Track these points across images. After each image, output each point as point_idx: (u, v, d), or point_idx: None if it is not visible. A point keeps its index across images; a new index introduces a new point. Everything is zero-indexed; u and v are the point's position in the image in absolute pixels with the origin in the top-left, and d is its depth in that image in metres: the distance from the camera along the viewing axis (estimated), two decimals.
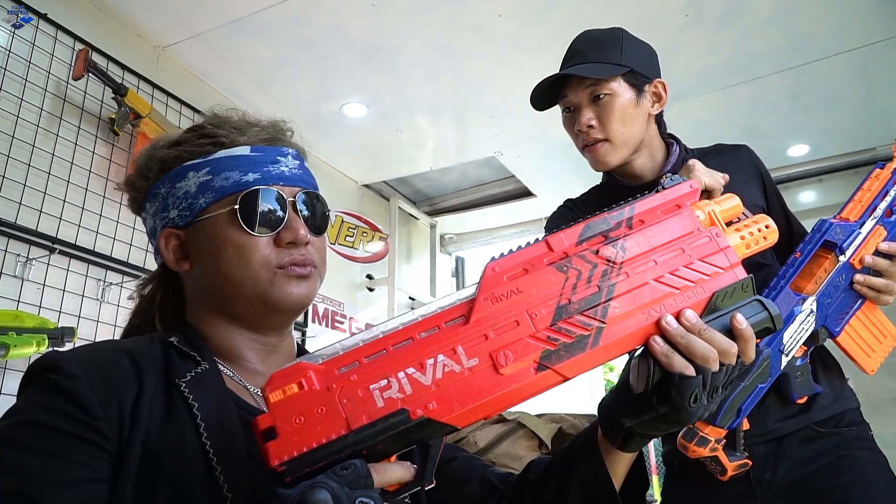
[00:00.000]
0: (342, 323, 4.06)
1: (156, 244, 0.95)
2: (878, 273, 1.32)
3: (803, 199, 4.27)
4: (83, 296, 2.52)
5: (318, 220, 0.95)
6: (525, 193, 4.50)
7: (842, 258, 1.30)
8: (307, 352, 1.04)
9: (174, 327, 0.92)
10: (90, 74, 2.59)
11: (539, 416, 2.47)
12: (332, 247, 4.08)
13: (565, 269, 0.68)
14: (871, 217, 1.32)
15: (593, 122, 1.48)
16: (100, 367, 0.77)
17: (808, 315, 1.30)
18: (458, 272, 5.36)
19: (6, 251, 2.31)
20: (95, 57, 2.68)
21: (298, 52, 3.09)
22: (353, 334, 0.67)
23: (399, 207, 4.65)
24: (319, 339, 3.80)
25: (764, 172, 1.60)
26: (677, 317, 0.68)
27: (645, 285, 0.69)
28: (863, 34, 3.02)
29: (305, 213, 0.93)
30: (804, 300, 1.30)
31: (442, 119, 3.72)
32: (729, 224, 0.78)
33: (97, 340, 0.93)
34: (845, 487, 1.32)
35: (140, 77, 2.91)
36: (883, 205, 1.32)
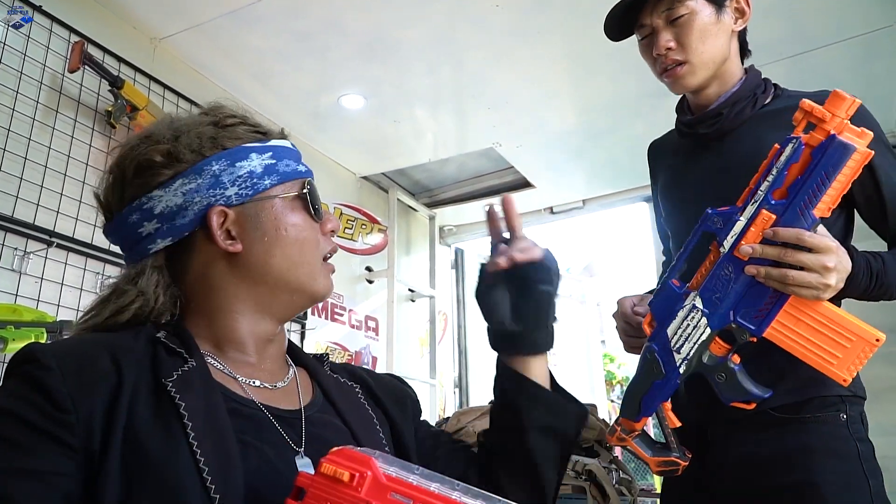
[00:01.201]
0: (342, 315, 4.06)
1: (172, 225, 0.89)
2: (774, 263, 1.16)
3: None
4: (81, 289, 2.51)
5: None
6: (524, 184, 4.49)
7: (722, 249, 1.19)
8: (292, 342, 1.04)
9: (161, 322, 0.90)
10: (86, 67, 2.58)
11: None
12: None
13: None
14: (752, 201, 1.17)
15: (672, 45, 1.43)
16: (76, 360, 0.76)
17: (692, 311, 1.22)
18: (458, 264, 5.36)
19: (3, 245, 2.31)
20: (91, 49, 2.66)
21: (296, 43, 3.07)
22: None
23: (398, 199, 4.64)
24: (319, 332, 3.80)
25: (875, 126, 1.40)
26: None
27: None
28: (863, 23, 3.00)
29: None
30: (686, 294, 1.23)
31: (441, 110, 3.71)
32: None
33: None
34: (797, 488, 1.28)
35: (136, 69, 2.90)
36: (764, 186, 1.16)
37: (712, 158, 1.47)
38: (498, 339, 1.00)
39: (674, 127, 1.62)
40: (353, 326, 4.15)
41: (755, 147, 1.35)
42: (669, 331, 1.24)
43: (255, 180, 0.91)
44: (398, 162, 4.32)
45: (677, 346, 1.24)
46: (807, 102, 1.14)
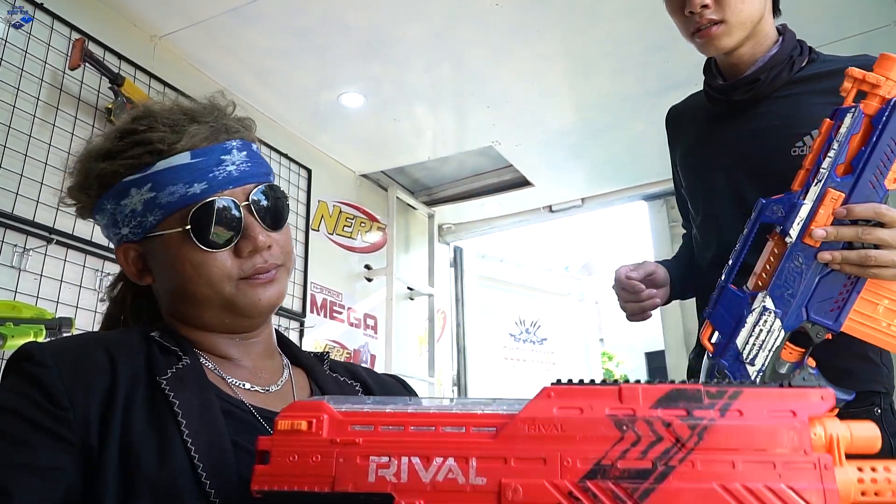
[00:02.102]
0: (340, 313, 4.06)
1: (116, 249, 0.93)
2: (849, 245, 1.07)
3: None
4: (80, 286, 2.52)
5: (276, 213, 0.91)
6: (523, 183, 4.50)
7: (788, 239, 1.08)
8: (288, 339, 1.03)
9: (151, 325, 0.91)
10: (87, 64, 2.58)
11: None
12: (330, 237, 4.08)
13: (624, 428, 0.56)
14: (815, 181, 1.07)
15: (708, 1, 1.31)
16: (72, 357, 0.77)
17: (762, 313, 1.09)
18: (457, 262, 5.37)
19: (3, 241, 2.31)
20: (92, 46, 2.66)
21: (296, 41, 3.07)
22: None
23: (397, 197, 4.65)
24: (318, 330, 3.80)
25: None
26: None
27: (708, 487, 0.55)
28: (861, 21, 3.01)
29: (263, 206, 0.89)
30: (753, 297, 1.10)
31: (440, 108, 3.71)
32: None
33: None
34: None
35: (137, 67, 2.90)
36: (826, 163, 1.06)
37: (744, 124, 1.39)
38: None
39: (698, 92, 1.55)
40: (351, 324, 4.15)
41: (793, 112, 1.30)
42: (739, 341, 1.10)
43: (139, 219, 0.86)
44: (397, 160, 4.33)
45: (751, 357, 1.10)
46: (856, 70, 1.06)
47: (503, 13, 2.90)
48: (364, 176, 4.48)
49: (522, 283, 5.53)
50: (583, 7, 2.82)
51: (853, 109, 1.06)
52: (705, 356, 1.15)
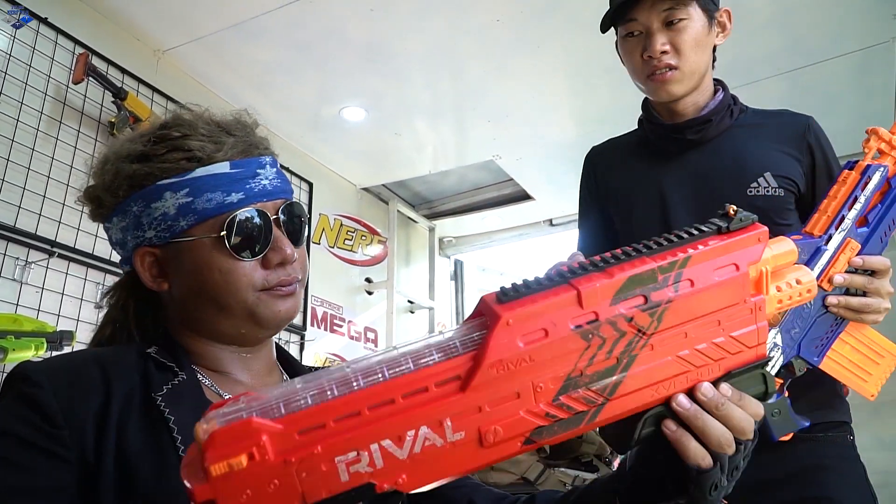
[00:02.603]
0: (341, 326, 4.06)
1: (125, 255, 0.92)
2: (855, 292, 1.14)
3: None
4: (82, 299, 2.52)
5: (299, 231, 0.93)
6: (523, 197, 4.50)
7: None
8: (288, 353, 1.02)
9: (152, 336, 0.90)
10: (90, 78, 2.60)
11: None
12: (331, 250, 4.08)
13: (590, 337, 0.56)
14: (839, 230, 1.13)
15: (667, 48, 1.38)
16: (66, 375, 0.77)
17: (772, 350, 1.13)
18: (457, 275, 5.37)
19: (5, 254, 2.32)
20: (95, 61, 2.68)
21: (298, 55, 3.09)
22: (324, 367, 0.56)
23: (398, 211, 4.65)
24: (318, 343, 3.80)
25: (816, 147, 1.48)
26: (691, 392, 0.60)
27: (665, 360, 0.59)
28: (860, 38, 3.03)
29: (289, 222, 0.91)
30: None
31: (441, 122, 3.73)
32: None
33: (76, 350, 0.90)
34: (814, 503, 1.28)
35: (140, 81, 2.92)
36: (851, 214, 1.12)
37: (696, 163, 1.46)
38: None
39: (621, 135, 1.62)
40: (352, 338, 4.15)
41: (742, 154, 1.41)
42: None
43: (169, 223, 0.86)
44: (398, 174, 4.34)
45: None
46: (884, 131, 1.15)
47: (504, 28, 2.92)
48: (365, 189, 4.49)
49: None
50: (583, 22, 2.84)
51: (882, 168, 1.13)
52: None
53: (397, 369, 0.52)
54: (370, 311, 4.38)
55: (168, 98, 3.04)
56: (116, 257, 0.96)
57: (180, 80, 3.17)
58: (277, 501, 0.49)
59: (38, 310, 2.37)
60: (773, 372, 1.14)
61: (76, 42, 2.66)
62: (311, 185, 3.88)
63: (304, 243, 0.94)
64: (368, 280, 4.40)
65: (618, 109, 3.53)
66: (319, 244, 3.97)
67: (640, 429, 0.60)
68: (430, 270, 4.98)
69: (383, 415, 0.51)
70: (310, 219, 3.78)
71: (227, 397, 0.86)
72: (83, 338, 2.44)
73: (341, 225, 4.20)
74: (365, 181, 4.41)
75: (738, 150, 1.43)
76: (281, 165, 0.95)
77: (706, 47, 1.43)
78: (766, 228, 0.64)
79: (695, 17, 1.39)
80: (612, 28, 1.50)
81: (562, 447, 2.43)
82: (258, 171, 0.90)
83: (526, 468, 2.36)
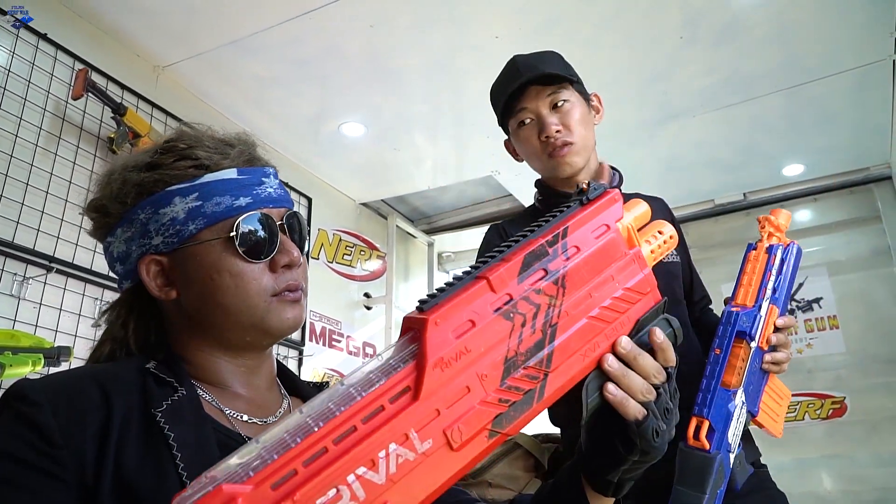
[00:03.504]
0: (339, 341, 4.05)
1: (126, 270, 0.91)
2: (777, 348, 1.38)
3: (798, 219, 4.29)
4: (80, 315, 2.51)
5: (301, 239, 0.94)
6: None
7: (752, 344, 1.31)
8: (288, 370, 1.01)
9: (152, 352, 0.90)
10: (89, 94, 2.61)
11: (535, 436, 2.46)
12: (330, 265, 4.08)
13: (511, 315, 0.60)
14: (765, 299, 1.36)
15: (560, 127, 1.52)
16: (65, 394, 0.76)
17: (741, 408, 1.29)
18: None
19: (3, 270, 2.31)
20: (95, 76, 2.69)
21: (297, 71, 3.10)
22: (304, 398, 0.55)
23: (397, 226, 4.66)
24: (317, 358, 3.79)
25: (678, 227, 1.66)
26: (613, 350, 0.68)
27: (583, 323, 0.65)
28: (857, 55, 3.05)
29: (293, 230, 0.92)
30: (735, 394, 1.29)
31: (440, 138, 3.73)
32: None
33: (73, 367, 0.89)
34: None
35: (139, 97, 2.93)
36: (770, 284, 1.37)
37: None
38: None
39: (541, 195, 1.74)
40: (350, 353, 4.13)
41: None
42: (730, 434, 1.27)
43: (178, 227, 0.86)
44: (397, 189, 4.34)
45: (734, 446, 1.27)
46: (770, 217, 1.42)
47: (502, 44, 2.93)
48: (364, 204, 4.49)
49: None
50: (581, 38, 2.86)
51: (781, 247, 1.40)
52: (690, 451, 1.26)
53: (349, 402, 0.52)
54: (369, 326, 4.37)
55: (168, 114, 3.05)
56: (115, 277, 0.95)
57: (180, 96, 3.17)
58: None
59: (36, 325, 2.36)
60: (742, 426, 1.29)
61: (75, 58, 2.67)
62: (309, 200, 3.88)
63: (305, 255, 0.95)
64: (367, 295, 4.39)
65: (616, 126, 3.55)
66: (318, 259, 3.97)
67: (586, 399, 0.66)
68: (429, 285, 4.98)
69: (349, 444, 0.50)
70: (309, 233, 3.77)
71: (227, 412, 0.87)
72: (81, 353, 2.43)
73: (340, 240, 4.20)
74: (364, 196, 4.41)
75: None
76: (255, 163, 0.96)
77: (590, 125, 1.58)
78: (618, 191, 0.72)
79: (574, 100, 1.55)
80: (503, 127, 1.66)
81: (559, 464, 2.41)
82: (263, 178, 0.92)
83: (524, 484, 2.35)
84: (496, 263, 0.62)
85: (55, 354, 2.25)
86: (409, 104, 3.40)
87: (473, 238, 5.00)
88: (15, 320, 2.30)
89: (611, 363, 0.67)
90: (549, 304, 0.63)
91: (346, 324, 4.14)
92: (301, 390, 1.00)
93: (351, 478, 0.50)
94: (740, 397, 1.29)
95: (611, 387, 0.67)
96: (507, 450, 2.39)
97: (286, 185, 1.04)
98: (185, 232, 0.86)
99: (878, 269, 4.05)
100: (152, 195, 0.87)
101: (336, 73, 3.13)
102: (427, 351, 0.55)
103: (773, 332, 1.35)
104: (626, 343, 0.68)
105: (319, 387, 1.03)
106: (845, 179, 4.13)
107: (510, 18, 2.81)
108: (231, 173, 0.89)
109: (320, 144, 3.72)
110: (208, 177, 0.88)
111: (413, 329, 0.57)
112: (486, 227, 5.16)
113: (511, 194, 4.33)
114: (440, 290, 0.59)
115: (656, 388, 0.69)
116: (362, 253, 4.38)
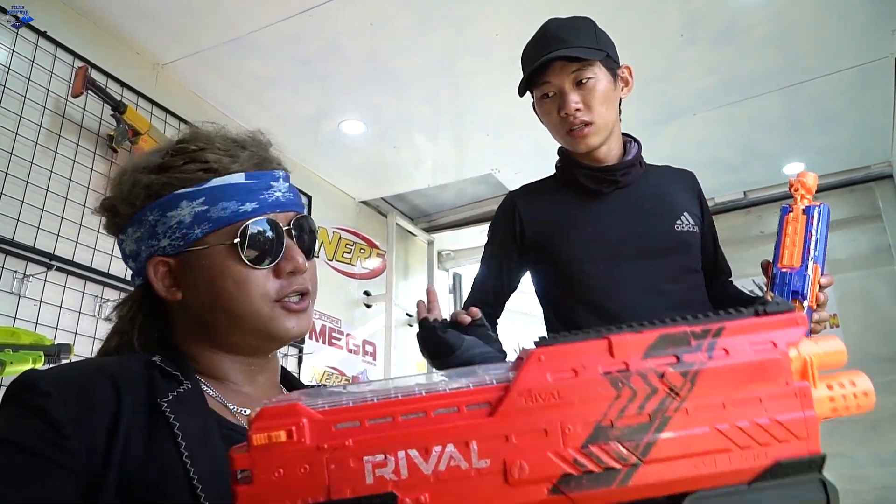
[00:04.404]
0: (339, 339, 4.05)
1: (137, 268, 0.92)
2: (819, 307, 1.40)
3: None
4: (80, 312, 2.51)
5: (310, 244, 0.95)
6: None
7: (805, 304, 1.34)
8: (291, 374, 1.03)
9: (157, 347, 0.90)
10: (89, 92, 2.61)
11: None
12: (330, 263, 4.08)
13: (619, 385, 0.56)
14: (810, 258, 1.38)
15: (580, 106, 1.52)
16: (74, 386, 0.76)
17: None
18: (456, 288, 5.36)
19: (3, 267, 2.31)
20: (95, 74, 2.69)
21: (297, 69, 3.10)
22: (353, 382, 0.59)
23: (397, 224, 4.65)
24: (317, 356, 3.79)
25: (703, 199, 1.69)
26: None
27: (704, 431, 0.58)
28: (857, 54, 3.04)
29: (301, 235, 0.93)
30: None
31: (440, 136, 3.73)
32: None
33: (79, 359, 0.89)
34: None
35: (139, 94, 2.93)
36: (812, 245, 1.39)
37: (619, 202, 1.61)
38: None
39: (565, 163, 1.71)
40: (350, 351, 4.13)
41: (660, 196, 1.61)
42: None
43: (184, 231, 0.88)
44: (397, 187, 4.34)
45: None
46: (801, 180, 1.43)
47: (503, 43, 2.93)
48: (364, 203, 4.49)
49: (521, 310, 5.51)
50: None
51: (823, 206, 1.42)
52: None
53: (432, 390, 0.55)
54: (368, 325, 4.37)
55: (167, 111, 3.05)
56: (126, 272, 0.96)
57: (179, 94, 3.17)
58: (304, 487, 0.52)
59: (36, 323, 2.37)
60: None
61: (75, 55, 2.67)
62: (309, 198, 3.88)
63: (315, 258, 0.96)
64: (367, 293, 4.39)
65: None
66: (318, 257, 3.96)
67: None
68: (429, 284, 4.97)
69: (413, 424, 0.53)
70: None
71: (230, 406, 0.87)
72: (81, 351, 2.43)
73: (340, 238, 4.20)
74: (364, 194, 4.41)
75: (658, 192, 1.62)
76: (268, 166, 0.97)
77: (613, 102, 1.57)
78: (804, 314, 0.64)
79: (600, 76, 1.54)
80: (528, 92, 1.65)
81: None
82: (272, 183, 0.92)
83: None
84: (627, 331, 0.58)
85: (55, 352, 2.25)
86: (409, 102, 3.39)
87: (473, 236, 5.00)
88: (15, 318, 2.30)
89: None
90: (669, 394, 0.57)
91: (345, 322, 4.14)
92: (299, 389, 1.01)
93: (401, 453, 0.52)
94: None
95: None
96: None
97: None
98: (191, 236, 0.87)
99: (878, 267, 4.05)
100: (160, 198, 0.88)
101: (336, 71, 3.13)
102: (519, 377, 0.55)
103: (818, 290, 1.38)
104: None
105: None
106: (846, 178, 4.13)
107: (510, 17, 2.80)
108: (239, 178, 0.89)
109: (320, 143, 3.72)
110: (216, 181, 0.88)
111: (521, 358, 0.57)
112: (485, 226, 5.15)
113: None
114: (564, 334, 0.57)
115: None
116: (362, 251, 4.38)
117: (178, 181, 0.88)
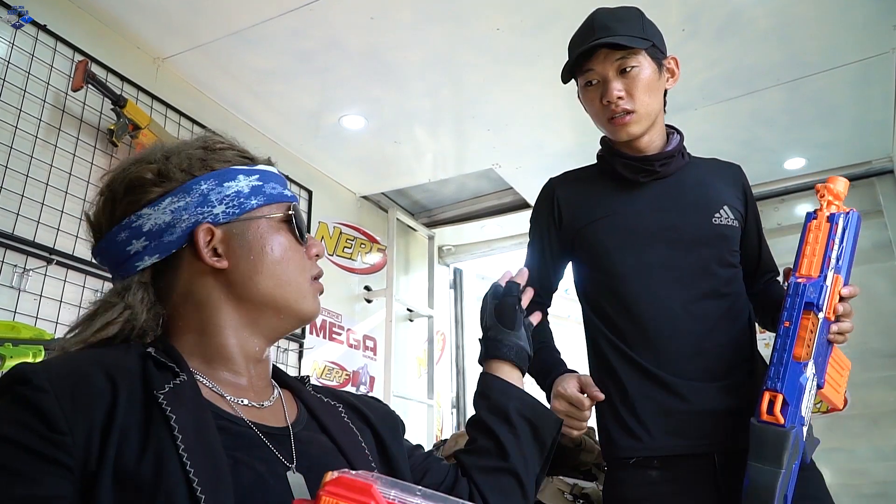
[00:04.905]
0: (340, 334, 4.05)
1: (160, 241, 0.90)
2: (841, 318, 1.36)
3: (800, 212, 4.27)
4: (80, 307, 2.51)
5: None
6: (523, 205, 4.50)
7: (820, 315, 1.30)
8: (276, 367, 1.05)
9: (147, 338, 0.89)
10: (89, 86, 2.60)
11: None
12: (331, 258, 4.08)
13: None
14: (830, 269, 1.34)
15: (622, 94, 1.52)
16: (70, 379, 0.75)
17: (812, 380, 1.27)
18: (457, 284, 5.36)
19: (3, 262, 2.31)
20: (95, 68, 2.68)
21: (298, 63, 3.10)
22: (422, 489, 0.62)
23: (397, 219, 4.65)
24: (317, 351, 3.79)
25: (749, 193, 1.66)
26: None
27: None
28: (858, 49, 3.04)
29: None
30: (805, 366, 1.27)
31: (440, 131, 3.73)
32: None
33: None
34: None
35: (139, 88, 2.92)
36: (834, 254, 1.35)
37: (658, 193, 1.59)
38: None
39: (606, 152, 1.70)
40: (351, 346, 4.14)
41: (701, 188, 1.59)
42: (803, 407, 1.26)
43: (241, 199, 0.93)
44: (398, 182, 4.34)
45: (807, 419, 1.26)
46: (829, 186, 1.38)
47: (504, 37, 2.92)
48: (364, 197, 4.49)
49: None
50: None
51: (851, 214, 1.37)
52: (765, 426, 1.25)
53: None
54: (369, 320, 4.37)
55: (168, 106, 3.04)
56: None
57: (180, 88, 3.17)
58: None
59: (36, 317, 2.37)
60: (813, 398, 1.28)
61: (75, 49, 2.66)
62: (310, 193, 3.88)
63: None
64: (367, 288, 4.39)
65: None
66: None
67: None
68: (430, 279, 4.97)
69: None
70: (309, 227, 3.78)
71: (228, 397, 0.88)
72: None
73: (340, 233, 4.20)
74: (364, 189, 4.41)
75: (699, 183, 1.61)
76: (280, 173, 1.03)
77: (657, 91, 1.57)
78: None
79: (645, 65, 1.53)
80: (573, 79, 1.65)
81: (560, 456, 2.41)
82: (287, 182, 1.04)
83: None
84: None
85: (55, 346, 2.25)
86: (409, 97, 3.39)
87: (474, 231, 5.00)
88: (15, 312, 2.31)
89: None
90: None
91: (346, 317, 4.14)
92: (286, 382, 1.05)
93: None
94: (811, 369, 1.27)
95: None
96: None
97: (286, 177, 1.08)
98: (247, 205, 0.94)
99: (879, 262, 4.04)
100: (216, 170, 0.94)
101: (336, 66, 3.12)
102: None
103: (839, 301, 1.33)
104: None
105: (301, 380, 1.07)
106: (847, 173, 4.11)
107: (511, 11, 2.80)
108: (273, 169, 1.01)
109: (321, 137, 3.72)
110: (262, 166, 0.99)
111: None
112: (486, 221, 5.14)
113: (512, 187, 4.33)
114: None
115: None
116: (363, 246, 4.38)
117: (230, 160, 0.96)
